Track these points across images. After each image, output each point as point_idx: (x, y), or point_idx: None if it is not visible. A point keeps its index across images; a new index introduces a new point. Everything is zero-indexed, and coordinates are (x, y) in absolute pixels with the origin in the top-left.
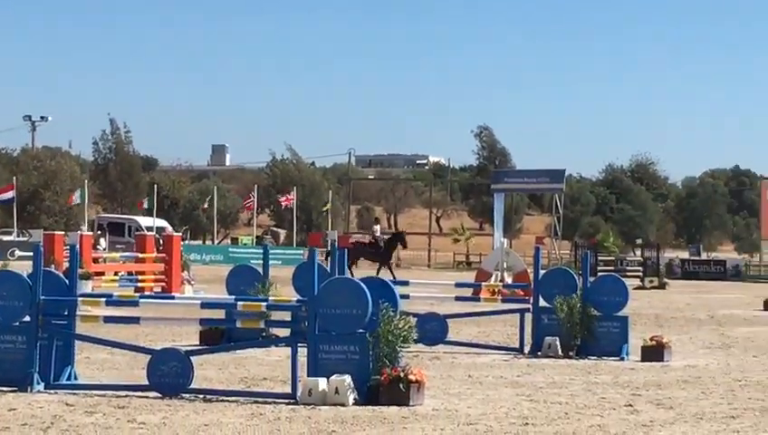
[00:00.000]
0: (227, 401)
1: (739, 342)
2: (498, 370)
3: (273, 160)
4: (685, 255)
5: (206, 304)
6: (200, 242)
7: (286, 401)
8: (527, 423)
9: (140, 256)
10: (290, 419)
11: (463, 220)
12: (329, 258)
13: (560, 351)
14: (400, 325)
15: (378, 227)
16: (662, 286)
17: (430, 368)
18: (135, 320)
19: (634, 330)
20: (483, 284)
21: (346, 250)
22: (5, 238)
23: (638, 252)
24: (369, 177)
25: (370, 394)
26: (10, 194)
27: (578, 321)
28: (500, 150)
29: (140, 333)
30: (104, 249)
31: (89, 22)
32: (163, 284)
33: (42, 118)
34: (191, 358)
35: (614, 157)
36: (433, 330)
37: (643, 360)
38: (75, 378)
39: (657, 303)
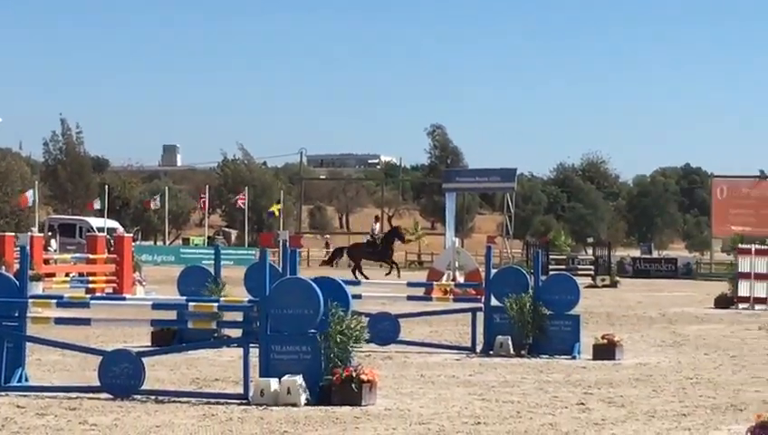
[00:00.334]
0: (179, 402)
1: (690, 340)
2: (450, 369)
3: (224, 161)
4: (636, 253)
5: (157, 305)
6: (151, 243)
7: (238, 401)
8: (479, 422)
9: (91, 257)
10: (242, 419)
11: (415, 219)
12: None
13: (512, 350)
14: (352, 325)
15: (377, 226)
16: (613, 285)
17: (382, 368)
18: (86, 321)
19: (586, 328)
20: (435, 283)
21: (346, 253)
22: None
23: (590, 250)
24: (321, 177)
25: (322, 394)
26: None
27: (529, 320)
28: (452, 150)
29: (92, 334)
30: (55, 250)
31: (37, 23)
32: (114, 285)
33: None
34: (143, 359)
35: (565, 156)
36: (385, 329)
37: (595, 358)
38: (26, 380)
39: (608, 301)
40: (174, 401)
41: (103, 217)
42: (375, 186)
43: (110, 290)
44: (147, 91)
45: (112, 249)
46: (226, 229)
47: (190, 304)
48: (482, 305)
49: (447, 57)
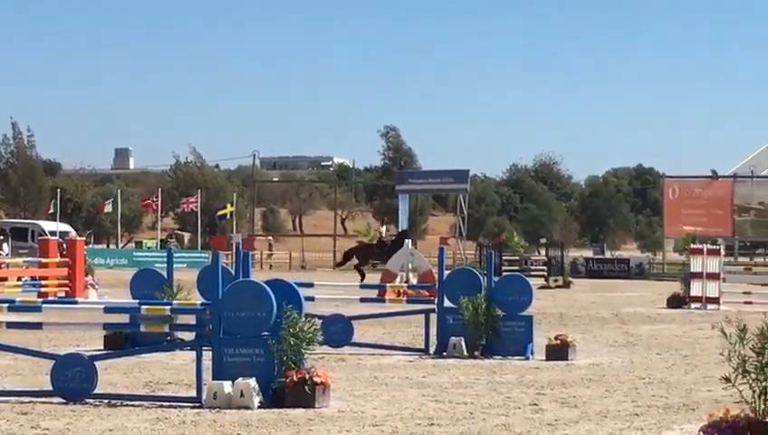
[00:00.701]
0: (132, 405)
1: (643, 339)
2: (404, 371)
3: (176, 164)
4: (589, 253)
5: (109, 309)
6: (104, 246)
7: (191, 404)
8: (432, 424)
9: (44, 260)
10: (195, 422)
11: (368, 221)
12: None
13: (465, 351)
14: (305, 327)
15: (384, 229)
16: (566, 285)
17: (336, 370)
18: (38, 325)
19: (539, 329)
20: (388, 285)
21: (354, 252)
22: None
23: (543, 251)
24: (274, 179)
25: (276, 397)
26: None
27: (483, 321)
28: (405, 151)
29: (44, 338)
30: (7, 254)
31: None
32: (67, 288)
33: None
34: (95, 363)
35: (518, 157)
36: (338, 332)
37: (548, 359)
38: None
39: (561, 302)
40: (127, 405)
41: (55, 220)
42: (328, 188)
43: (63, 294)
44: (98, 95)
45: (65, 253)
46: (179, 232)
47: (143, 307)
48: (435, 307)
49: (400, 59)
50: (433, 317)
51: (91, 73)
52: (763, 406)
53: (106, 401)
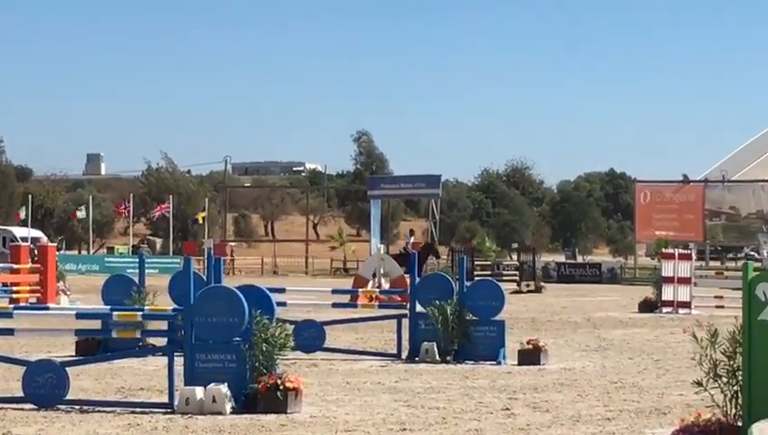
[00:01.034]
0: (104, 411)
1: (615, 344)
2: (376, 376)
3: (148, 169)
4: (561, 258)
5: (81, 315)
6: (76, 252)
7: (163, 410)
8: (405, 429)
9: (15, 266)
10: (167, 428)
11: (340, 227)
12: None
13: (437, 356)
14: (277, 333)
15: (412, 239)
16: (538, 290)
17: (308, 375)
18: (9, 332)
19: (511, 334)
20: (360, 290)
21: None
22: None
23: (515, 256)
24: (246, 184)
25: (248, 402)
26: None
27: (455, 326)
28: (377, 156)
29: (15, 344)
30: None
31: None
32: (38, 295)
33: None
34: (67, 369)
35: (490, 161)
36: (310, 337)
37: (520, 363)
38: None
39: (533, 306)
40: (99, 411)
41: (27, 226)
42: (300, 193)
43: (34, 300)
44: (69, 100)
45: (36, 259)
46: (151, 238)
47: (115, 313)
48: (407, 312)
49: (372, 64)
50: (405, 322)
51: (62, 79)
52: (734, 410)
53: (78, 407)
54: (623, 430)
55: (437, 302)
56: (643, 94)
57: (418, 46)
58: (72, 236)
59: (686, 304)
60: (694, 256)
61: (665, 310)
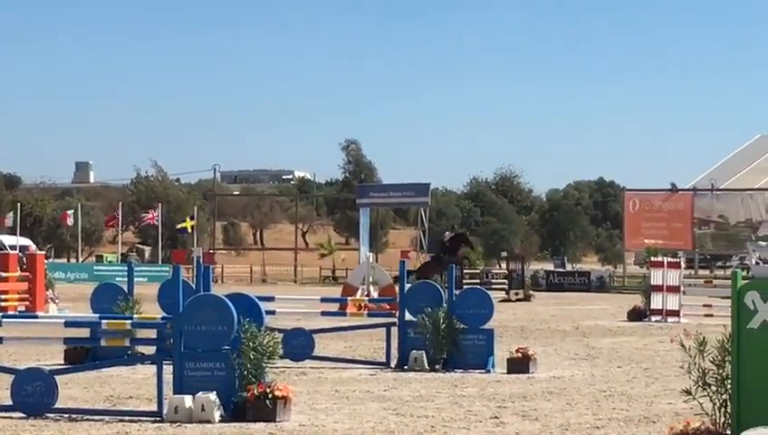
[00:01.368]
0: (93, 420)
1: (603, 352)
2: (365, 384)
3: (137, 177)
4: (549, 267)
5: (70, 323)
6: (65, 260)
7: (152, 419)
8: None
9: (3, 274)
10: None
11: (329, 235)
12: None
13: (426, 364)
14: (266, 341)
15: (447, 234)
16: (527, 298)
17: (297, 383)
18: None
19: (500, 342)
20: (349, 298)
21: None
22: None
23: (504, 265)
24: (235, 193)
25: (237, 411)
26: None
27: (444, 334)
28: (366, 164)
29: (4, 352)
30: None
31: None
32: (27, 303)
33: None
34: (56, 377)
35: (478, 170)
36: (299, 345)
37: (509, 372)
38: None
39: (522, 315)
40: (87, 420)
41: (15, 234)
42: (289, 201)
43: (23, 308)
44: (58, 108)
45: (25, 267)
46: (140, 246)
47: (103, 321)
48: (396, 320)
49: (360, 72)
50: (394, 331)
51: (50, 87)
52: (723, 418)
53: (66, 415)
54: None
55: (426, 310)
56: (632, 103)
57: (407, 55)
58: (61, 245)
59: (675, 313)
60: (683, 265)
61: (654, 318)
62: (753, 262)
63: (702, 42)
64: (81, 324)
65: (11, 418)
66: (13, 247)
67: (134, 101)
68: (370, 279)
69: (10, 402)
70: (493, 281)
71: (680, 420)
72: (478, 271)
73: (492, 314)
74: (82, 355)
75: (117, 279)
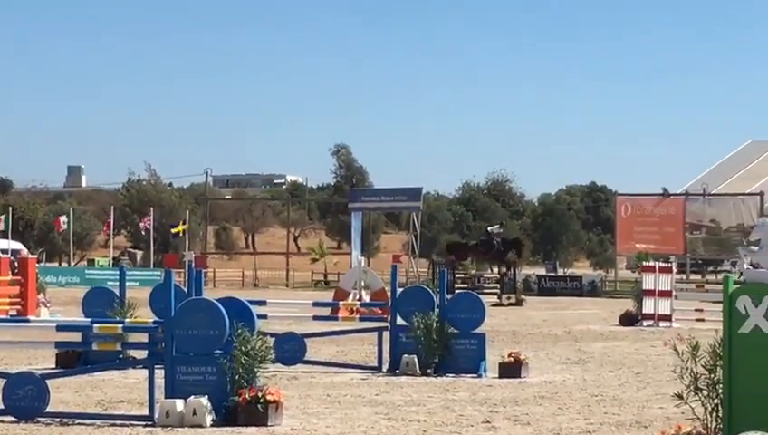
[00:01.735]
0: (84, 424)
1: (595, 357)
2: (356, 388)
3: (129, 181)
4: (541, 271)
5: (61, 327)
6: (56, 264)
7: (144, 423)
8: None
9: None
10: None
11: (321, 239)
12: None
13: (418, 368)
14: (257, 345)
15: (496, 228)
16: (519, 303)
17: (288, 388)
18: None
19: (491, 347)
20: (341, 303)
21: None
22: None
23: (495, 269)
24: (227, 197)
25: (228, 415)
26: None
27: (435, 338)
28: (357, 169)
29: None
30: None
31: None
32: (18, 307)
33: None
34: (47, 381)
35: (470, 174)
36: (291, 349)
37: (501, 376)
38: None
39: (514, 319)
40: (79, 424)
41: (7, 238)
42: (281, 206)
43: (15, 312)
44: (50, 112)
45: (16, 271)
46: (132, 250)
47: (95, 325)
48: (388, 325)
49: (351, 75)
50: (386, 335)
51: (42, 90)
52: (714, 423)
53: (58, 419)
54: None
55: (418, 314)
56: (625, 108)
57: (400, 59)
58: (53, 249)
59: (667, 318)
60: (674, 269)
61: (645, 323)
62: (745, 267)
63: (695, 47)
64: (73, 328)
65: (2, 422)
66: (4, 251)
67: (126, 105)
68: (362, 283)
69: (1, 407)
70: (485, 285)
71: (672, 425)
72: (470, 275)
73: (484, 319)
74: (74, 359)
75: (108, 283)
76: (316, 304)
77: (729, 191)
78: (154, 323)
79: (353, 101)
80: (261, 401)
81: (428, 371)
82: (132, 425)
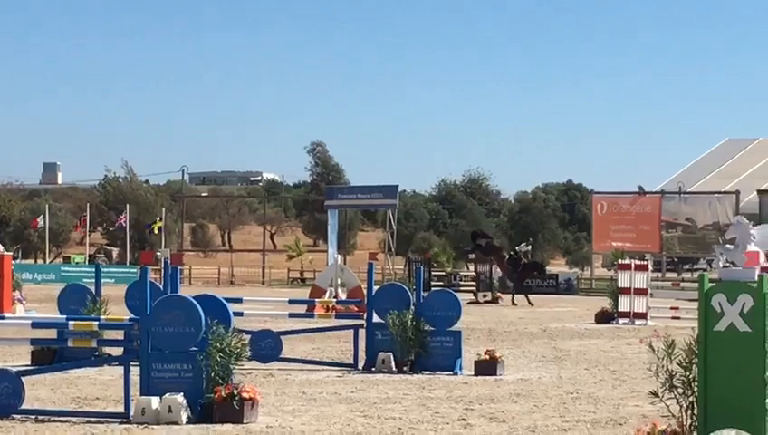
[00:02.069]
0: (60, 421)
1: (571, 355)
2: (332, 386)
3: (105, 179)
4: None
5: (37, 324)
6: (32, 261)
7: (119, 420)
8: None
9: None
10: None
11: (297, 237)
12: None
13: (393, 366)
14: (233, 343)
15: (524, 247)
16: (495, 301)
17: (264, 385)
18: None
19: (467, 344)
20: (317, 300)
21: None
22: None
23: (472, 267)
24: (203, 194)
25: (204, 412)
26: None
27: (411, 336)
28: (333, 166)
29: None
30: None
31: None
32: None
33: None
34: (22, 378)
35: (447, 172)
36: (267, 347)
37: (476, 374)
38: None
39: (490, 317)
40: (54, 421)
41: None
42: (257, 203)
43: None
44: (26, 108)
45: None
46: (108, 247)
47: (70, 322)
48: (364, 322)
49: (327, 73)
50: (362, 332)
51: (17, 87)
52: (689, 420)
53: (33, 416)
54: None
55: (394, 312)
56: (601, 106)
57: (374, 56)
58: (29, 246)
59: (643, 315)
60: (650, 267)
61: (621, 321)
62: (721, 265)
63: (670, 46)
64: (49, 325)
65: None
66: None
67: (102, 102)
68: (339, 281)
69: None
70: (461, 283)
71: (647, 423)
72: (446, 273)
73: (459, 316)
74: (50, 356)
75: (84, 280)
76: (292, 302)
77: (705, 190)
78: (130, 320)
79: (330, 98)
80: (236, 398)
81: (404, 368)
82: (108, 422)
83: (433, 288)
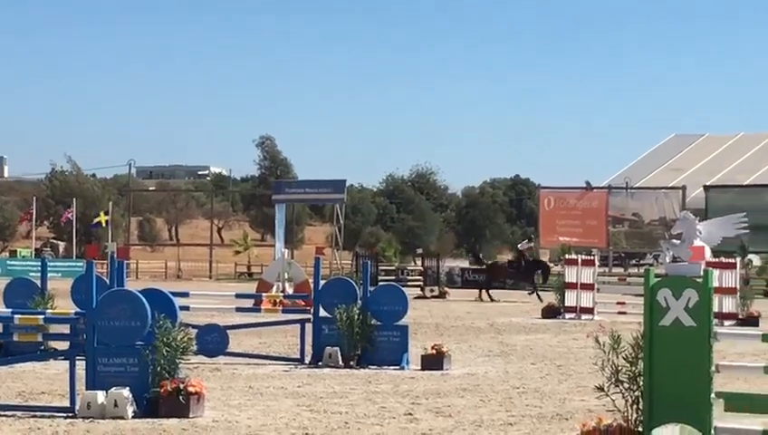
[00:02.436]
0: (4, 415)
1: (517, 349)
2: (279, 380)
3: (52, 172)
4: (465, 264)
5: None
6: None
7: (65, 414)
8: (307, 434)
9: None
10: (68, 432)
11: (245, 231)
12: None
13: (340, 360)
14: (179, 337)
15: (525, 244)
16: (442, 295)
17: (211, 379)
18: None
19: (414, 339)
20: (264, 294)
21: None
22: None
23: (419, 261)
24: (150, 188)
25: (150, 407)
26: None
27: (358, 330)
28: (282, 161)
29: None
30: None
31: None
32: None
33: None
34: None
35: (395, 167)
36: (213, 341)
37: (423, 368)
38: None
39: (437, 311)
40: None
41: None
42: (205, 197)
43: None
44: None
45: None
46: (54, 241)
47: (16, 316)
48: (311, 317)
49: (276, 66)
50: (309, 327)
51: None
52: (635, 415)
53: None
54: None
55: (341, 306)
56: (548, 101)
57: (323, 50)
58: None
59: (589, 310)
60: (597, 263)
61: (568, 316)
62: (667, 260)
63: (618, 41)
64: None
65: None
66: None
67: (49, 95)
68: (286, 275)
69: None
70: (408, 278)
71: (593, 417)
72: (394, 268)
73: (406, 311)
74: None
75: (30, 274)
76: (239, 296)
77: (652, 185)
78: (75, 314)
79: (278, 92)
80: (183, 392)
81: (351, 363)
82: (53, 417)
83: (380, 283)
